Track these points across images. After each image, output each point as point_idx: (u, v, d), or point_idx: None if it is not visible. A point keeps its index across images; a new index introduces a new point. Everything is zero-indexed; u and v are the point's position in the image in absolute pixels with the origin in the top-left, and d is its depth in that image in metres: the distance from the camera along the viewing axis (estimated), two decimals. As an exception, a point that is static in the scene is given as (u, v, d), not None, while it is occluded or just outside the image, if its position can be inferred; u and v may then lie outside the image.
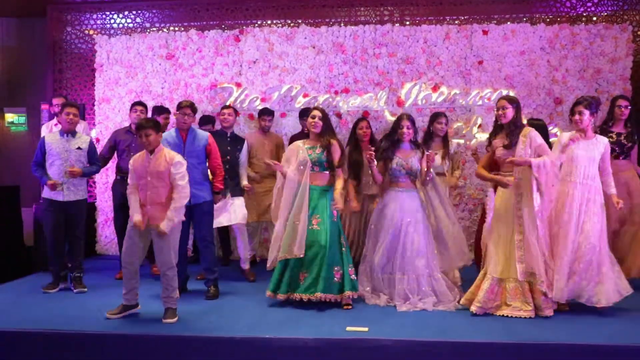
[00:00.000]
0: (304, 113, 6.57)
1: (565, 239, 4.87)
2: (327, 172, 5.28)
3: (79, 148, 5.70)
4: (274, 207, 5.39)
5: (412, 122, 5.38)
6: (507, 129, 5.02)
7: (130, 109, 6.41)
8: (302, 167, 5.23)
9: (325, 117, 5.29)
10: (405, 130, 5.30)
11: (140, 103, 6.48)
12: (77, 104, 6.04)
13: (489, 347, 4.14)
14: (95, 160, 5.87)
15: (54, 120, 6.75)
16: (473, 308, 4.84)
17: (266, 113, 6.87)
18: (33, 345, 4.40)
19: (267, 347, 4.22)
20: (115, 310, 4.78)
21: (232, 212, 6.18)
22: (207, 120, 6.87)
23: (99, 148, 6.66)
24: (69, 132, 5.68)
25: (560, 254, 4.85)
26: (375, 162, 5.19)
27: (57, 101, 6.70)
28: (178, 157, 4.79)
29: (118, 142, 6.31)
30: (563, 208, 4.92)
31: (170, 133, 5.60)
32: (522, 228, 4.87)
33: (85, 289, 5.73)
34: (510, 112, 4.98)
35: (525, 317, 4.73)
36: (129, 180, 4.82)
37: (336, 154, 5.26)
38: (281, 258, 5.13)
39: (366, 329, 4.40)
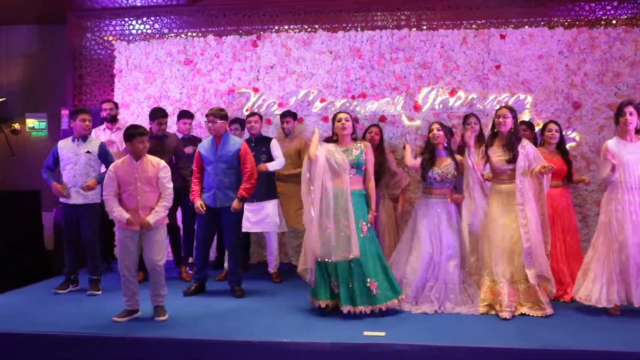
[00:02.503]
0: (285, 115, 6.90)
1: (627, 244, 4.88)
2: (362, 176, 5.19)
3: (88, 152, 5.81)
4: (305, 212, 5.10)
5: (442, 125, 5.39)
6: (504, 139, 5.16)
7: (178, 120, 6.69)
8: (337, 170, 5.02)
9: (352, 120, 5.31)
10: (435, 132, 5.31)
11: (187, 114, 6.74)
12: (91, 110, 6.18)
13: (505, 352, 4.11)
14: (109, 163, 5.90)
15: (103, 125, 6.96)
16: (505, 314, 4.86)
17: (286, 115, 6.91)
18: (49, 348, 4.43)
19: (284, 351, 4.23)
20: (121, 314, 4.87)
21: (265, 220, 6.34)
22: (234, 121, 6.91)
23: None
24: (81, 137, 5.78)
25: (628, 259, 4.86)
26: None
27: (106, 106, 6.88)
28: (163, 162, 4.95)
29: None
30: (624, 216, 4.91)
31: (208, 139, 5.82)
32: (528, 235, 4.95)
33: (98, 292, 5.81)
34: (510, 122, 5.15)
35: (541, 316, 4.84)
36: (106, 187, 4.84)
37: (371, 156, 5.25)
38: (337, 259, 4.88)
39: (383, 333, 4.39)
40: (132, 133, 4.80)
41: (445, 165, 5.27)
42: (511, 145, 5.11)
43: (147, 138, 4.87)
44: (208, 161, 5.70)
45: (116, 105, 7.13)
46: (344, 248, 4.87)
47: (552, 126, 5.89)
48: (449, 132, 5.41)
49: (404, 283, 5.24)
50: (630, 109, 5.00)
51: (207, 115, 5.72)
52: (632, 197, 4.91)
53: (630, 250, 4.83)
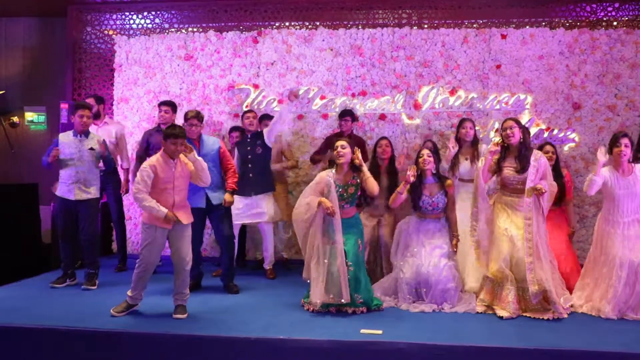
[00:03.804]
0: (344, 114, 6.74)
1: (611, 270, 4.92)
2: (355, 206, 5.23)
3: (91, 148, 5.77)
4: (302, 237, 5.20)
5: (433, 149, 5.45)
6: (516, 152, 5.12)
7: (159, 110, 6.46)
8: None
9: (351, 146, 5.11)
10: (425, 158, 5.30)
11: (166, 103, 6.50)
12: (90, 105, 6.05)
13: (503, 352, 4.11)
14: (109, 159, 5.99)
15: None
16: (503, 313, 4.87)
17: (267, 118, 6.83)
18: (46, 342, 4.43)
19: (281, 347, 4.23)
20: (120, 307, 4.86)
21: (261, 211, 6.30)
22: (267, 117, 6.91)
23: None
24: (82, 132, 5.75)
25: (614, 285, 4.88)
26: (411, 177, 5.11)
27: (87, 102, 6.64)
28: (191, 156, 4.93)
29: (150, 143, 6.27)
30: (611, 245, 4.96)
31: None
32: (532, 250, 4.94)
33: (93, 287, 5.80)
34: (517, 132, 5.09)
35: (546, 319, 4.81)
36: (141, 186, 4.68)
37: (370, 185, 5.09)
38: (331, 301, 4.94)
39: (380, 331, 4.39)
40: (168, 133, 4.75)
41: (435, 195, 5.29)
42: (522, 157, 5.06)
43: (182, 141, 4.77)
44: None
45: (98, 100, 6.88)
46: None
47: (549, 148, 5.90)
48: (437, 156, 5.44)
49: (399, 282, 5.26)
50: (625, 140, 4.96)
51: (187, 119, 5.62)
52: (623, 232, 4.95)
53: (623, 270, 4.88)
